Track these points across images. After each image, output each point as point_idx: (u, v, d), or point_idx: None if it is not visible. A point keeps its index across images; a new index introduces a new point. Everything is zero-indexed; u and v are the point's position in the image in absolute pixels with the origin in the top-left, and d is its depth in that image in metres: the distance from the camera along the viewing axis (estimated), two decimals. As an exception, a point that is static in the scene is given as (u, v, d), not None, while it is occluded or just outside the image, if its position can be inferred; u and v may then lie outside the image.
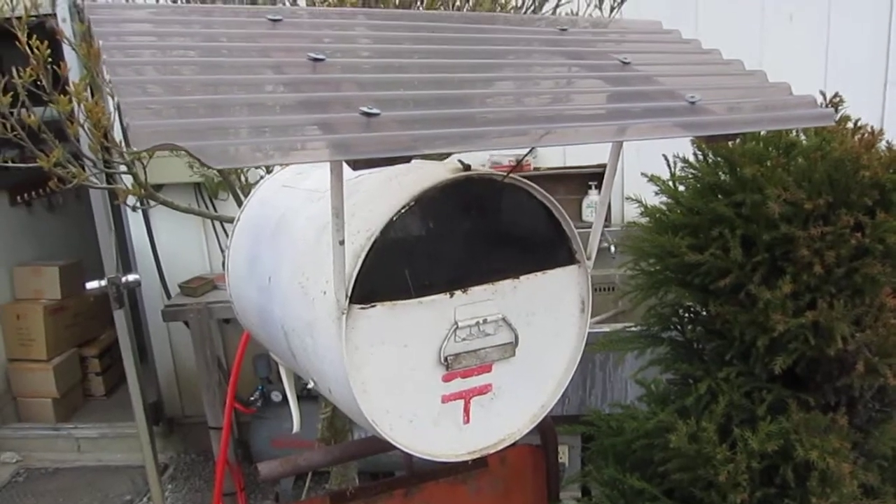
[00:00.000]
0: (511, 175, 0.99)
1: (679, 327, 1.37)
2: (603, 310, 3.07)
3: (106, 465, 3.96)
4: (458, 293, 0.97)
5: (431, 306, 0.96)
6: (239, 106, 0.67)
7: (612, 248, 3.10)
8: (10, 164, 1.73)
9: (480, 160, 2.78)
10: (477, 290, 0.99)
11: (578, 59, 1.06)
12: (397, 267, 0.95)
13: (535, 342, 1.05)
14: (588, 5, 1.78)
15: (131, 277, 3.01)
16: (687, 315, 1.37)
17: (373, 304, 0.92)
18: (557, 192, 3.52)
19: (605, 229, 3.12)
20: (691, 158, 1.35)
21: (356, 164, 0.65)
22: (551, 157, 3.35)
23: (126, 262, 3.61)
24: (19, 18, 1.38)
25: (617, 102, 0.96)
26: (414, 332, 0.96)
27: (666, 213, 1.33)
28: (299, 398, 1.45)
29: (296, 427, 1.43)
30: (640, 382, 1.57)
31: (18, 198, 4.41)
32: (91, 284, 2.90)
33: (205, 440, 3.58)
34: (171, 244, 3.62)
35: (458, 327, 0.98)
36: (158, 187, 3.51)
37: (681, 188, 1.36)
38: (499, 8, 1.57)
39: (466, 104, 0.80)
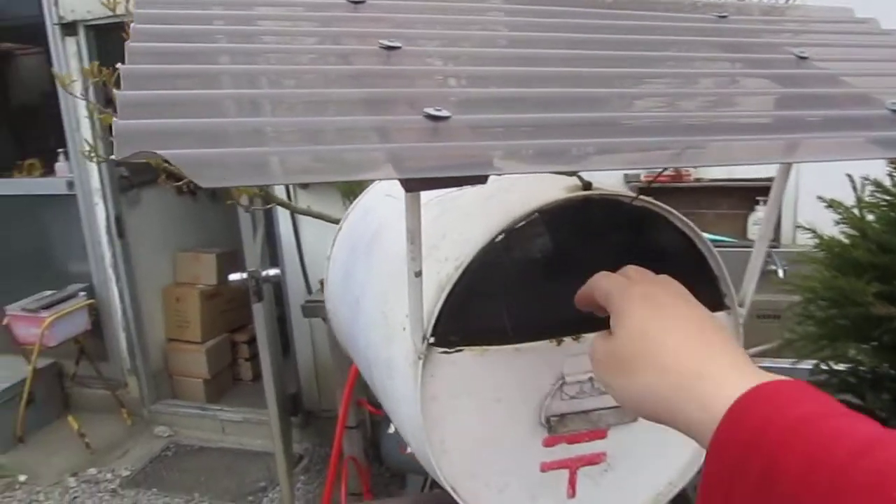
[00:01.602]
0: (642, 197, 0.79)
1: (859, 392, 1.10)
2: (763, 339, 2.73)
3: (246, 449, 4.07)
4: (567, 340, 0.79)
5: (533, 355, 0.78)
6: (272, 104, 0.52)
7: (781, 272, 2.74)
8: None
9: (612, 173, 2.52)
10: (592, 338, 0.79)
11: (738, 51, 0.83)
12: (492, 304, 0.78)
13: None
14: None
15: (272, 272, 3.02)
16: (869, 376, 1.09)
17: (459, 347, 0.76)
18: (721, 206, 3.19)
19: (773, 249, 2.77)
20: (886, 181, 1.07)
21: (409, 185, 0.49)
22: (714, 167, 3.03)
23: (274, 256, 3.67)
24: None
25: (787, 109, 0.74)
26: (509, 385, 0.78)
27: (848, 247, 1.06)
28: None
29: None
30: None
31: (185, 187, 4.62)
32: (233, 276, 2.94)
33: (340, 435, 3.58)
34: (316, 241, 3.64)
35: (565, 382, 0.79)
36: (304, 186, 3.57)
37: (869, 217, 1.08)
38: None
39: (572, 107, 0.61)
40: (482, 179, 0.51)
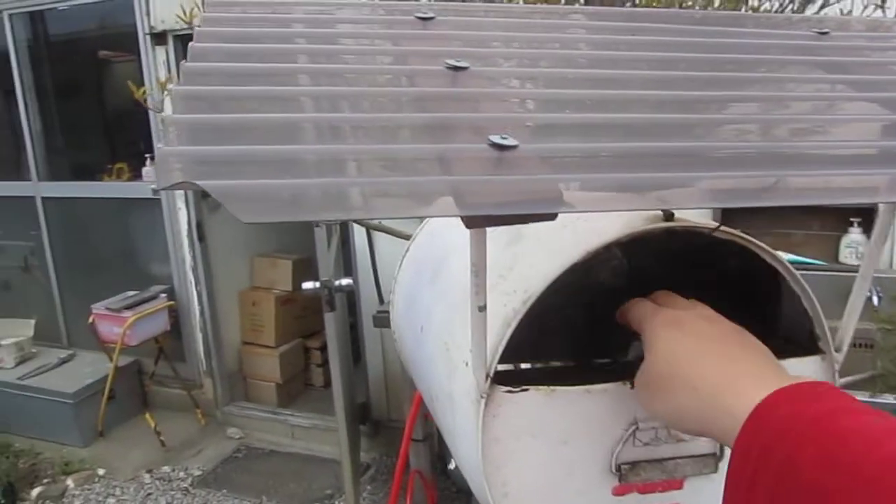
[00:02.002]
0: (727, 229, 0.73)
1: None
2: (855, 369, 2.56)
3: (314, 455, 4.09)
4: (641, 383, 0.72)
5: (604, 397, 0.72)
6: (322, 130, 0.49)
7: (876, 299, 2.57)
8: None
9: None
10: (668, 381, 0.73)
11: (840, 72, 0.76)
12: (561, 342, 0.72)
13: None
14: (865, 6, 1.40)
15: (345, 281, 3.03)
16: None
17: (524, 387, 0.71)
18: (811, 227, 3.03)
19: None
20: None
21: (470, 222, 0.45)
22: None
23: (348, 265, 3.69)
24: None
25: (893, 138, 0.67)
26: (578, 428, 0.73)
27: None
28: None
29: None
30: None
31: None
32: (307, 285, 2.96)
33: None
34: (390, 252, 3.64)
35: (638, 428, 0.73)
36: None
37: None
38: (745, 8, 1.27)
39: (654, 135, 0.56)
40: (551, 217, 0.46)
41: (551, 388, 0.71)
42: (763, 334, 0.78)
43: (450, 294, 0.87)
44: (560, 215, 0.75)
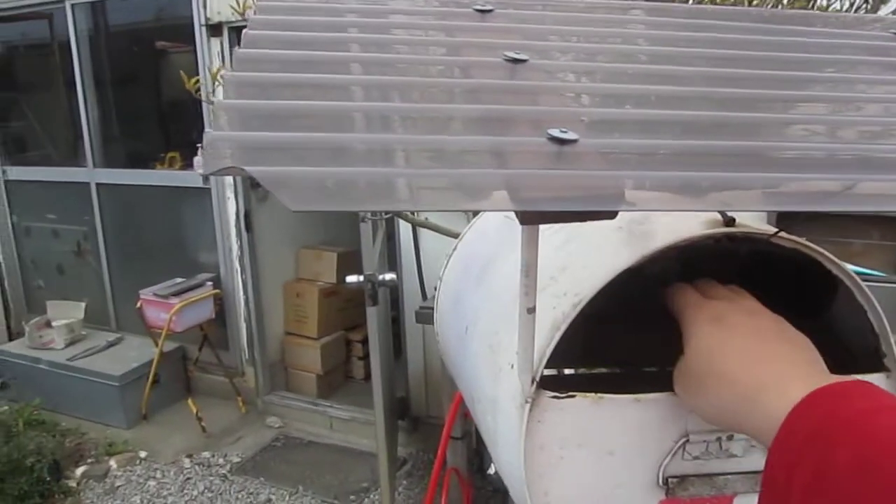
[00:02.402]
0: (785, 234, 0.69)
1: None
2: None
3: (352, 447, 4.11)
4: (694, 394, 0.69)
5: (654, 407, 0.69)
6: (371, 120, 0.47)
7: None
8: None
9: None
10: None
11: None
12: (612, 348, 0.70)
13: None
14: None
15: (388, 276, 3.03)
16: None
17: (571, 393, 0.68)
18: (871, 236, 2.92)
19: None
20: None
21: (526, 217, 0.43)
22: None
23: (392, 260, 3.69)
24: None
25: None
26: (625, 438, 0.70)
27: None
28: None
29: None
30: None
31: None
32: (350, 278, 2.96)
33: (445, 443, 3.56)
34: (435, 247, 3.63)
35: (688, 440, 0.70)
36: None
37: None
38: (815, 7, 1.22)
39: (716, 133, 0.53)
40: (611, 215, 0.44)
41: (599, 395, 0.69)
42: (823, 355, 0.75)
43: (498, 295, 0.85)
44: (626, 219, 0.72)
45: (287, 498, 3.63)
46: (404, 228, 3.66)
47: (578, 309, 0.67)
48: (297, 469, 3.89)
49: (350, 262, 4.50)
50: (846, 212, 2.86)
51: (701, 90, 0.65)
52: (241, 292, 4.34)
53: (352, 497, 3.65)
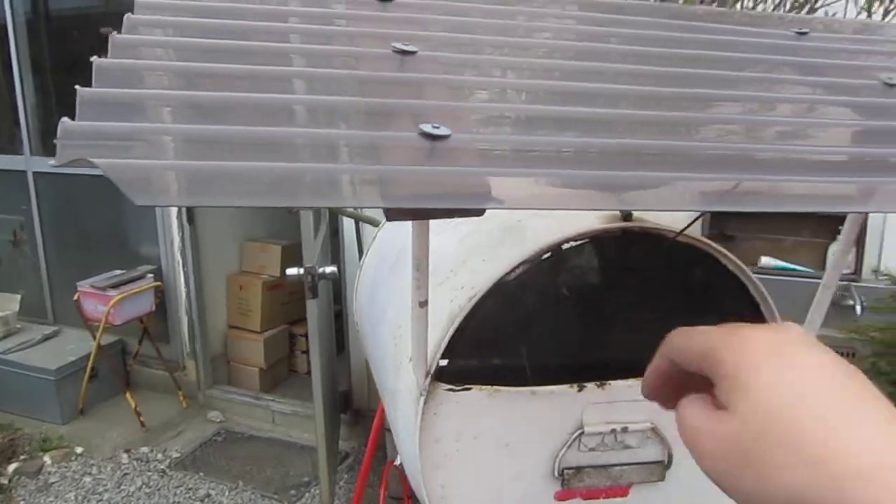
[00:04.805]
0: (686, 234, 0.70)
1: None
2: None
3: (294, 441, 4.07)
4: (590, 387, 0.71)
5: (550, 400, 0.70)
6: (244, 110, 0.46)
7: (858, 308, 2.55)
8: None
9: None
10: (619, 386, 0.71)
11: (817, 74, 0.74)
12: (508, 341, 0.70)
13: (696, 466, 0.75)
14: (858, 13, 1.37)
15: (329, 269, 3.00)
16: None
17: (467, 385, 0.69)
18: (801, 233, 3.01)
19: (853, 283, 2.59)
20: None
21: (391, 214, 0.43)
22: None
23: (335, 252, 3.66)
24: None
25: (868, 145, 0.64)
26: (521, 431, 0.71)
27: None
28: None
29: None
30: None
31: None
32: (290, 270, 2.93)
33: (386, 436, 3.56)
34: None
35: (584, 433, 0.71)
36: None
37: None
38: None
39: (611, 131, 0.54)
40: (477, 212, 0.44)
41: (495, 388, 0.69)
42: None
43: (403, 288, 0.85)
44: (525, 212, 0.73)
45: (227, 493, 3.58)
46: (348, 223, 3.64)
47: (473, 302, 0.67)
48: (238, 464, 3.84)
49: (295, 255, 4.45)
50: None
51: (607, 87, 0.65)
52: (183, 285, 4.26)
53: (293, 492, 3.62)
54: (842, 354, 0.43)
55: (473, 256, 0.73)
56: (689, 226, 0.70)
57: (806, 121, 0.70)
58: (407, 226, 1.01)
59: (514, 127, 0.54)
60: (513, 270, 0.67)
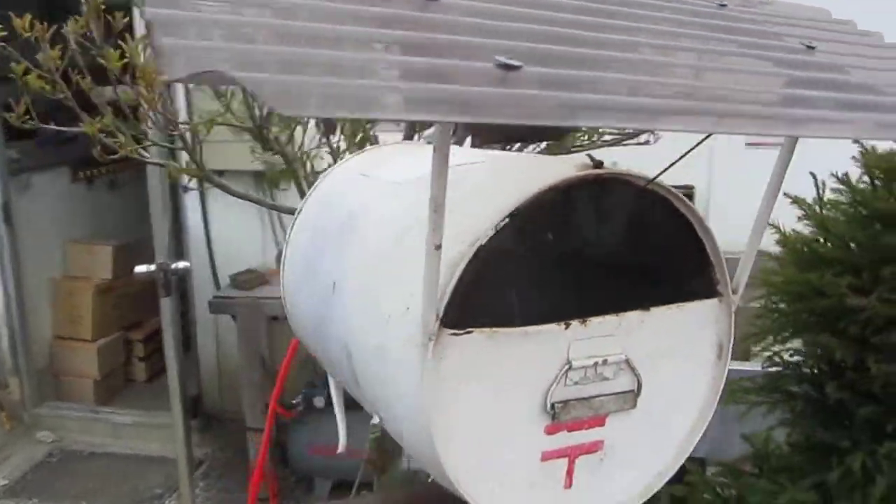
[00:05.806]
0: (656, 181, 0.77)
1: (816, 382, 1.12)
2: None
3: (139, 454, 3.84)
4: (574, 324, 0.75)
5: (540, 339, 0.74)
6: (314, 38, 0.46)
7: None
8: (61, 129, 1.55)
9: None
10: (598, 322, 0.77)
11: (742, 36, 0.83)
12: (500, 286, 0.74)
13: (660, 393, 0.83)
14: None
15: (181, 264, 2.87)
16: (826, 368, 1.12)
17: (468, 329, 0.71)
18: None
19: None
20: (854, 178, 1.10)
21: (482, 137, 0.45)
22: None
23: (180, 247, 3.49)
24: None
25: (797, 88, 0.74)
26: (516, 370, 0.74)
27: (812, 243, 1.09)
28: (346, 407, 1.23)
29: (341, 447, 1.23)
30: (746, 440, 1.32)
31: (80, 174, 4.34)
32: (140, 269, 2.76)
33: (242, 439, 3.43)
34: (227, 233, 3.49)
35: (570, 367, 0.76)
36: (219, 173, 3.41)
37: (831, 215, 1.11)
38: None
39: (633, 70, 0.58)
40: (559, 131, 0.47)
41: (493, 330, 0.72)
42: (672, 285, 0.85)
43: (370, 247, 0.86)
44: (494, 164, 0.76)
45: (72, 514, 3.32)
46: (192, 213, 3.47)
47: (475, 248, 0.70)
48: (79, 483, 3.56)
49: (127, 255, 4.18)
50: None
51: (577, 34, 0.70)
52: (1, 293, 3.86)
53: (146, 505, 3.42)
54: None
55: (460, 208, 0.75)
56: (660, 174, 0.76)
57: (743, 68, 0.78)
58: (350, 195, 1.02)
59: (556, 63, 0.57)
60: (507, 216, 0.71)
